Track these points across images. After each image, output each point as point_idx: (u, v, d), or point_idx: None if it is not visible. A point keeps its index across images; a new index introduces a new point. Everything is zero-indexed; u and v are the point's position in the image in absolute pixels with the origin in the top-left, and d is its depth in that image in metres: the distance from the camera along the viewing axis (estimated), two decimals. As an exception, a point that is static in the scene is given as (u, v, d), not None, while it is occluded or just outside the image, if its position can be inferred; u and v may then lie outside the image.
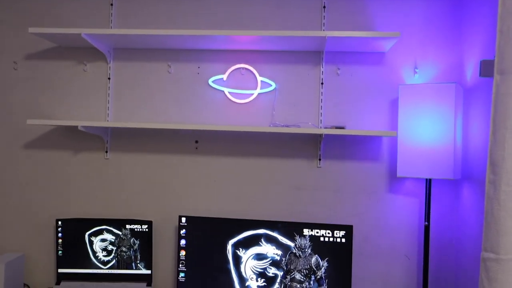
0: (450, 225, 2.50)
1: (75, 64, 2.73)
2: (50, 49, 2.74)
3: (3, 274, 2.31)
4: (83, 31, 2.39)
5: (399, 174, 2.32)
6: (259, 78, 2.62)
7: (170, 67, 2.68)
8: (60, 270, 2.58)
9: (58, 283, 2.58)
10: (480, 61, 1.96)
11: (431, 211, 2.38)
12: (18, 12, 2.76)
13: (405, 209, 2.54)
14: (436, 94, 2.26)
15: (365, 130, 2.37)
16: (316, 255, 2.32)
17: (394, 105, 2.55)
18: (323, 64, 2.60)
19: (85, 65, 2.72)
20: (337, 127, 2.49)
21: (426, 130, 2.26)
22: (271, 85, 2.62)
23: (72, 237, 2.58)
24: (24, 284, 2.65)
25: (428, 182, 2.36)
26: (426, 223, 2.35)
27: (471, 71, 2.39)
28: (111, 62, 2.71)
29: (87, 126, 2.46)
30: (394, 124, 2.54)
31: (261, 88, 2.62)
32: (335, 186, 2.59)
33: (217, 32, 2.35)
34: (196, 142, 2.67)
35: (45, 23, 2.72)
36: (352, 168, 2.58)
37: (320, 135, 2.54)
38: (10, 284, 2.39)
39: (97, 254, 2.58)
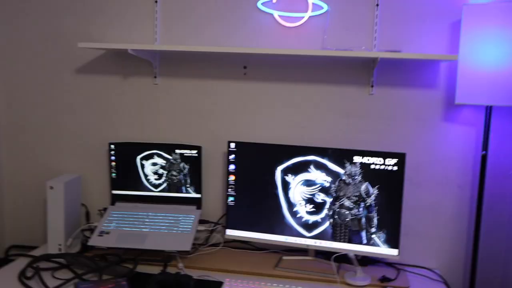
0: (508, 155, 2.40)
1: (122, -13, 2.69)
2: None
3: (63, 192, 2.42)
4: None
5: (457, 101, 2.21)
6: (310, 0, 2.49)
7: (218, -11, 2.59)
8: (114, 192, 2.68)
9: (113, 203, 2.69)
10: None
11: (489, 140, 2.27)
12: None
13: (461, 138, 2.44)
14: (503, 14, 2.08)
15: (423, 54, 2.24)
16: (367, 183, 2.29)
17: (455, 28, 2.39)
18: (380, -16, 2.44)
19: (132, -12, 2.67)
20: (392, 51, 2.36)
21: (490, 53, 2.11)
22: (322, 8, 2.50)
23: (124, 160, 2.65)
24: (82, 204, 2.78)
25: (489, 109, 2.24)
26: (484, 151, 2.25)
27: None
28: (158, -16, 2.64)
29: (137, 50, 2.44)
30: (454, 49, 2.39)
31: (312, 11, 2.50)
32: (388, 114, 2.51)
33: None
34: (245, 67, 2.62)
35: None
36: (407, 96, 2.48)
37: (374, 60, 2.42)
38: (69, 203, 2.51)
39: (148, 177, 2.65)
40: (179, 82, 2.68)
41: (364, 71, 2.50)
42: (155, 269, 2.28)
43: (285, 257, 2.52)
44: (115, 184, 2.67)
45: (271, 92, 2.61)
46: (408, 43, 2.44)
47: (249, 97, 2.63)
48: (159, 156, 2.63)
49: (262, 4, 2.55)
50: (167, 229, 2.46)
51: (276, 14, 2.54)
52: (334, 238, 2.36)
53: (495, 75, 2.10)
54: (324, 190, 2.35)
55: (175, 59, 2.67)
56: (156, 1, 2.64)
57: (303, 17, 2.52)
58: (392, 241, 2.28)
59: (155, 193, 2.66)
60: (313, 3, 2.50)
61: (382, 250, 2.30)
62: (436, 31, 2.41)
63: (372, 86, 2.50)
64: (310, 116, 2.58)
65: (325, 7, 2.49)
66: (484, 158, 2.26)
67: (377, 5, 2.45)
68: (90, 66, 2.75)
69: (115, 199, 2.69)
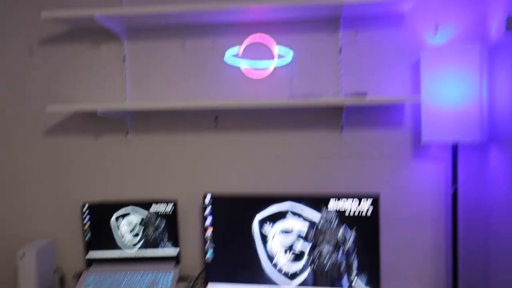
0: (478, 188, 2.45)
1: (89, 46, 2.70)
2: (64, 33, 2.70)
3: (35, 260, 2.35)
4: (96, 12, 2.34)
5: (424, 139, 2.27)
6: (275, 50, 2.56)
7: (184, 43, 2.63)
8: (89, 254, 2.61)
9: (88, 266, 2.61)
10: (507, 17, 1.88)
11: (458, 175, 2.33)
12: (27, -2, 2.73)
13: (431, 175, 2.49)
14: (459, 54, 2.18)
15: (388, 97, 2.31)
16: (344, 226, 2.30)
17: (416, 68, 2.48)
18: (341, 30, 2.52)
19: (99, 47, 2.68)
20: (358, 94, 2.42)
21: (451, 92, 2.19)
22: (288, 57, 2.56)
23: (99, 220, 2.60)
24: (56, 269, 2.70)
25: (455, 146, 2.30)
26: (455, 185, 2.30)
27: (495, 28, 2.30)
28: (125, 42, 2.67)
29: (108, 110, 2.44)
30: (417, 89, 2.48)
31: (278, 60, 2.56)
32: (360, 155, 2.55)
33: (231, 4, 2.28)
34: (216, 119, 2.64)
35: (58, 5, 2.68)
36: (376, 136, 2.53)
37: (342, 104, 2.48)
38: (42, 271, 2.43)
39: (124, 237, 2.60)
40: (151, 137, 2.68)
41: (334, 115, 2.56)
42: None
43: (269, 308, 2.48)
44: (90, 246, 2.61)
45: (243, 141, 2.63)
46: (373, 84, 2.51)
47: (221, 147, 2.65)
48: (135, 213, 2.59)
49: (228, 56, 2.60)
50: (147, 288, 2.41)
51: (243, 64, 2.59)
52: (316, 284, 2.34)
53: (457, 113, 2.17)
54: (302, 237, 2.34)
55: (146, 114, 2.68)
56: (124, 59, 2.66)
57: (269, 67, 2.57)
58: (374, 283, 2.28)
59: (132, 252, 2.60)
60: (278, 53, 2.56)
61: (365, 293, 2.29)
62: (399, 72, 2.50)
63: (342, 129, 2.55)
64: (283, 163, 2.60)
65: (291, 56, 2.56)
66: (455, 193, 2.31)
67: (340, 50, 2.53)
68: (60, 126, 2.73)
69: (90, 261, 2.62)
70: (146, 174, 2.69)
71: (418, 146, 2.50)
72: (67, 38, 2.70)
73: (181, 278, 2.59)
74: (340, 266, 2.30)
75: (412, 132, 2.50)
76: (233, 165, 2.64)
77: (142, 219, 2.58)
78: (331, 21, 2.53)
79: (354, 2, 2.21)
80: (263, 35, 2.56)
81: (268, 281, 2.39)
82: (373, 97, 2.28)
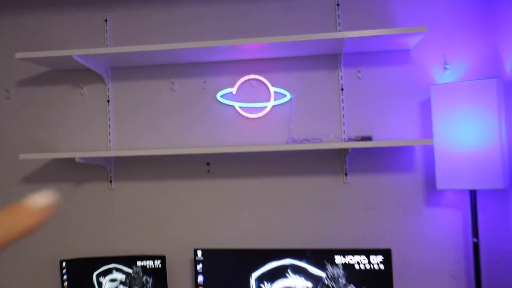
0: (500, 238, 2.20)
1: (71, 88, 2.51)
2: (43, 74, 2.52)
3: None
4: (75, 53, 2.16)
5: (439, 187, 2.04)
6: (272, 89, 2.37)
7: (173, 83, 2.44)
8: (68, 317, 2.34)
9: (66, 331, 2.33)
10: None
11: (478, 224, 2.09)
12: (6, 38, 2.55)
13: (447, 224, 2.25)
14: (475, 92, 1.97)
15: (396, 140, 2.10)
16: (351, 285, 2.03)
17: (425, 107, 2.27)
18: (342, 67, 2.34)
19: (82, 88, 2.49)
20: (363, 138, 2.21)
21: (466, 133, 1.98)
22: (285, 96, 2.37)
23: (78, 279, 2.34)
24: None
25: (473, 193, 2.07)
26: (475, 239, 2.05)
27: (510, 64, 2.11)
28: (109, 83, 2.48)
29: (87, 157, 2.22)
30: (426, 129, 2.26)
31: (274, 100, 2.37)
32: (366, 203, 2.31)
33: (223, 42, 2.10)
34: (208, 164, 2.42)
35: (37, 47, 2.50)
36: (384, 182, 2.30)
37: (345, 148, 2.27)
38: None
39: (107, 296, 2.33)
40: (137, 185, 2.45)
41: (336, 159, 2.34)
42: None
43: None
44: (68, 307, 2.34)
45: (238, 189, 2.40)
46: (378, 125, 2.31)
47: (214, 196, 2.41)
48: (119, 270, 2.33)
49: (221, 96, 2.40)
50: None
51: (237, 105, 2.39)
52: None
53: (475, 156, 1.95)
54: (305, 297, 2.08)
55: (131, 160, 2.46)
56: (108, 101, 2.47)
57: (265, 107, 2.37)
58: None
59: (116, 313, 2.33)
60: (275, 92, 2.37)
61: None
62: (407, 112, 2.29)
63: (346, 175, 2.32)
64: (283, 212, 2.36)
65: (288, 95, 2.36)
66: (476, 245, 2.06)
67: (342, 89, 2.33)
68: (37, 175, 2.50)
69: (69, 325, 2.34)
70: (132, 227, 2.45)
71: (431, 192, 2.26)
72: (48, 80, 2.51)
73: None
74: (349, 333, 2.03)
75: (424, 176, 2.28)
76: (227, 215, 2.40)
77: (127, 277, 2.32)
78: (331, 57, 2.34)
79: (356, 36, 2.02)
80: (258, 77, 2.37)
81: None
82: (380, 141, 2.06)
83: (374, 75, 2.33)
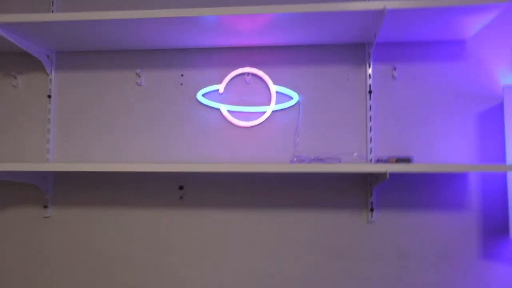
0: None
1: (0, 77, 1.86)
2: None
3: None
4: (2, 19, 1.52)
5: (514, 236, 1.39)
6: (273, 88, 1.72)
7: (139, 76, 1.79)
8: None
9: None
10: None
11: None
12: None
13: (514, 286, 1.59)
14: None
15: (448, 164, 1.45)
16: None
17: (486, 120, 1.63)
18: (371, 62, 1.70)
19: (15, 78, 1.84)
20: (398, 160, 1.55)
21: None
22: (291, 98, 1.72)
23: None
24: None
25: None
26: None
27: None
28: (52, 72, 1.83)
29: (11, 172, 1.57)
30: (486, 151, 1.62)
31: (276, 103, 1.72)
32: (398, 252, 1.66)
33: (208, 12, 1.45)
34: (181, 188, 1.76)
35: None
36: (424, 222, 1.65)
37: (373, 173, 1.62)
38: None
39: None
40: (82, 213, 1.79)
41: (359, 188, 1.69)
42: None
43: None
44: None
45: (220, 224, 1.74)
46: (419, 143, 1.67)
47: (188, 232, 1.75)
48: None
49: (204, 95, 1.76)
50: None
51: (224, 108, 1.74)
52: None
53: None
54: None
55: (76, 178, 1.79)
56: (49, 96, 1.81)
57: (263, 112, 1.73)
58: None
59: None
60: (277, 92, 1.72)
61: None
62: (459, 125, 1.65)
63: (371, 210, 1.66)
64: (281, 260, 1.70)
65: (295, 98, 1.71)
66: None
67: (370, 92, 1.69)
68: None
69: None
70: (72, 269, 1.77)
71: (494, 239, 1.61)
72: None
73: None
74: None
75: (482, 217, 1.63)
76: (205, 261, 1.73)
77: None
78: (355, 48, 1.72)
79: (404, 7, 1.37)
80: (255, 71, 1.73)
81: None
82: (429, 164, 1.42)
83: (415, 74, 1.69)
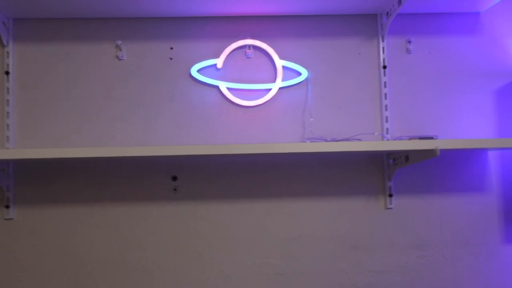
0: None
1: None
2: None
3: None
4: None
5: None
6: (279, 63, 1.53)
7: (120, 49, 1.52)
8: None
9: None
10: None
11: None
12: None
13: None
14: None
15: (480, 139, 1.34)
16: None
17: (503, 97, 1.55)
18: (385, 35, 1.56)
19: (-38, 50, 1.50)
20: (421, 138, 1.41)
21: None
22: (300, 74, 1.54)
23: None
24: None
25: None
26: None
27: None
28: (9, 43, 1.51)
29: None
30: (504, 128, 1.54)
31: (283, 80, 1.52)
32: (418, 241, 1.52)
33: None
34: (174, 179, 1.51)
35: None
36: (446, 207, 1.53)
37: (390, 154, 1.48)
38: None
39: None
40: (53, 213, 1.49)
41: (374, 170, 1.53)
42: None
43: None
44: None
45: (221, 218, 1.52)
46: (438, 121, 1.55)
47: (183, 229, 1.51)
48: None
49: (199, 71, 1.52)
50: None
51: (223, 85, 1.52)
52: None
53: None
54: None
55: (44, 169, 1.49)
56: (7, 73, 1.49)
57: (268, 90, 1.53)
58: None
59: None
60: (283, 67, 1.53)
61: None
62: (478, 102, 1.56)
63: (390, 196, 1.52)
64: (293, 252, 1.51)
65: (305, 73, 1.53)
66: None
67: (384, 67, 1.55)
68: None
69: None
70: (41, 279, 1.46)
71: (516, 223, 1.53)
72: None
73: None
74: None
75: (502, 200, 1.54)
76: (204, 260, 1.50)
77: None
78: (367, 18, 1.58)
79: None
80: (258, 43, 1.53)
81: None
82: (467, 139, 1.29)
83: (430, 47, 1.57)
